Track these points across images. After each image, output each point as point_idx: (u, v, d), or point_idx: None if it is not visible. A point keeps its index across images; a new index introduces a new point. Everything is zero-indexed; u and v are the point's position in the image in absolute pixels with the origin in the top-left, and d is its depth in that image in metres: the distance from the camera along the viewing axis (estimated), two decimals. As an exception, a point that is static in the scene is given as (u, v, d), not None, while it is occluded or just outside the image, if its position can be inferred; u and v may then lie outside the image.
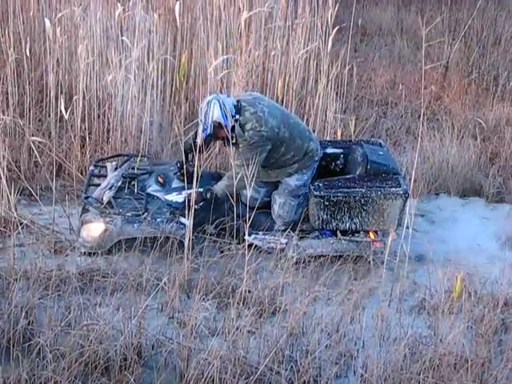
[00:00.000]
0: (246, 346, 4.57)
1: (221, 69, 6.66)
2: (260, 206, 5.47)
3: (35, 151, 6.16)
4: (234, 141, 5.43)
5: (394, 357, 4.61)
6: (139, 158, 6.00)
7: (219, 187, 5.47)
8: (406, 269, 5.33)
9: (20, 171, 6.14)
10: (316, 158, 5.67)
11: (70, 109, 5.90)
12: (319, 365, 4.58)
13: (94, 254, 5.38)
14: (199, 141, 5.42)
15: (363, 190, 5.48)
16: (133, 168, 5.88)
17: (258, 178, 5.31)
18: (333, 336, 4.78)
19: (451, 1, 10.35)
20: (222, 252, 5.44)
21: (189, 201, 5.33)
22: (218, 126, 5.34)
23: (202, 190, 5.41)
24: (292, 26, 7.31)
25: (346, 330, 4.86)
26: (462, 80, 8.58)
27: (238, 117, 5.36)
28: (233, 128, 5.37)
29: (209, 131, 5.36)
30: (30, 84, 6.65)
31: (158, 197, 5.63)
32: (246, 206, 5.27)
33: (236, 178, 5.10)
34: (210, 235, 5.50)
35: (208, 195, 5.43)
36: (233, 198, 5.16)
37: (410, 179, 5.30)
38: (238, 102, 5.45)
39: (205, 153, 5.41)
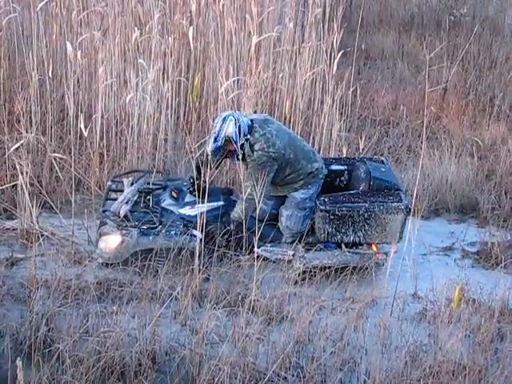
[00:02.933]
0: (254, 353, 4.56)
1: (232, 90, 6.67)
2: (268, 218, 5.46)
3: (56, 167, 6.17)
4: (240, 157, 5.45)
5: (395, 364, 4.59)
6: (154, 173, 6.01)
7: (237, 213, 5.49)
8: (407, 279, 5.32)
9: (41, 186, 6.14)
10: (320, 176, 5.68)
11: (89, 127, 5.91)
12: (324, 371, 4.56)
13: (111, 264, 5.38)
14: (208, 149, 5.43)
15: (366, 205, 5.47)
16: (148, 183, 5.88)
17: (266, 193, 5.32)
18: (337, 344, 4.76)
19: (449, 27, 10.35)
20: (231, 263, 5.43)
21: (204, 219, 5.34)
22: (228, 141, 5.36)
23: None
24: (299, 50, 7.32)
25: (350, 338, 4.84)
26: (460, 101, 8.56)
27: (249, 136, 5.37)
28: (242, 145, 5.39)
29: (219, 144, 5.37)
30: (51, 103, 6.67)
31: (171, 210, 5.63)
32: (254, 218, 5.26)
33: (248, 197, 5.17)
34: (220, 247, 5.49)
35: (231, 226, 5.46)
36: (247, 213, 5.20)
37: (412, 195, 5.28)
38: (251, 121, 5.46)
39: (213, 168, 5.40)
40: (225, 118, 5.41)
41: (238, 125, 5.36)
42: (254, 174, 5.33)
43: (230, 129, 5.35)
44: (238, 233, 5.47)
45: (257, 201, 5.02)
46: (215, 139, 5.38)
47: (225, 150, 5.44)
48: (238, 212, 5.49)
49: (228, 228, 5.47)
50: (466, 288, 5.31)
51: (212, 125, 5.57)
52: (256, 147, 5.38)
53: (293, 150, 5.51)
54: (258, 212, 5.21)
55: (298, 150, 5.57)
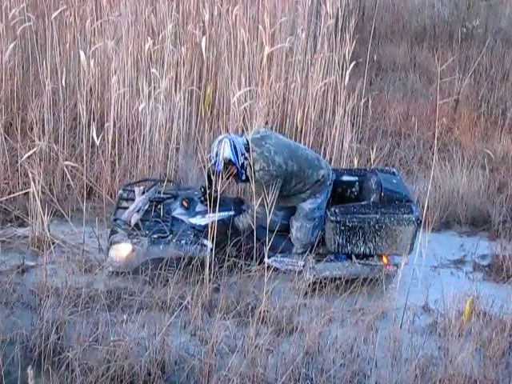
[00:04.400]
0: (264, 364, 4.55)
1: (244, 100, 6.67)
2: (279, 229, 5.45)
3: (68, 175, 6.18)
4: (244, 178, 5.47)
5: (405, 377, 4.57)
6: (165, 182, 6.00)
7: (242, 223, 5.50)
8: (417, 292, 5.29)
9: (53, 194, 6.15)
10: (328, 183, 5.66)
11: (101, 136, 5.92)
12: (334, 383, 4.54)
13: (122, 273, 5.37)
14: (212, 168, 5.44)
15: (377, 216, 5.45)
16: (159, 192, 5.88)
17: (276, 204, 5.32)
18: (347, 356, 4.73)
19: (461, 39, 10.33)
20: (242, 273, 5.42)
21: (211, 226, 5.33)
22: (228, 163, 5.38)
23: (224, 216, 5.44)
24: (311, 61, 7.33)
25: (360, 350, 4.82)
26: (472, 113, 8.54)
27: (247, 155, 5.37)
28: (242, 165, 5.40)
29: (220, 167, 5.38)
30: (64, 112, 6.69)
31: (182, 220, 5.63)
32: (265, 229, 5.25)
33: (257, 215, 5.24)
34: (231, 257, 5.47)
35: (242, 237, 5.47)
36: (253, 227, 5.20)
37: (423, 207, 5.26)
38: (247, 141, 5.45)
39: (224, 180, 5.40)
40: (219, 141, 5.43)
41: (233, 146, 5.36)
42: (260, 193, 5.30)
43: (226, 151, 5.37)
44: (248, 243, 5.46)
45: (267, 216, 4.99)
46: (214, 164, 5.40)
47: (228, 173, 5.43)
48: (243, 222, 5.49)
49: (239, 238, 5.46)
50: (477, 301, 5.28)
51: (210, 148, 5.57)
52: (256, 168, 5.37)
53: (295, 162, 5.50)
54: (268, 223, 5.21)
55: (302, 160, 5.56)
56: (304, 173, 5.53)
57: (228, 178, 5.49)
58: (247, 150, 5.39)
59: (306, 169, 5.54)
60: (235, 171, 5.43)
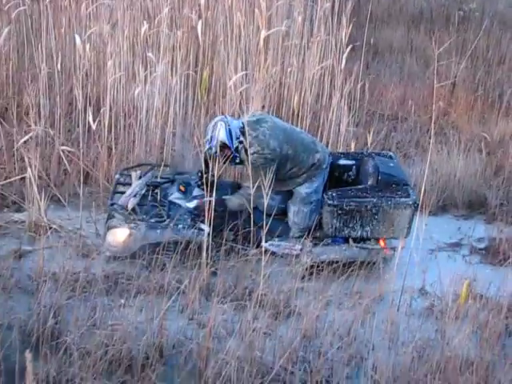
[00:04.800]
0: (261, 347, 4.55)
1: (240, 84, 6.65)
2: (276, 213, 5.45)
3: (64, 160, 6.16)
4: (237, 160, 5.47)
5: (402, 359, 4.58)
6: (162, 167, 5.99)
7: (232, 202, 5.48)
8: (414, 275, 5.30)
9: (50, 179, 6.15)
10: (324, 166, 5.65)
11: (97, 120, 5.90)
12: (331, 366, 4.56)
13: (119, 257, 5.37)
14: (209, 152, 5.44)
15: (374, 200, 5.45)
16: (156, 177, 5.88)
17: (272, 188, 5.31)
18: (344, 339, 4.75)
19: (458, 22, 10.30)
20: (239, 257, 5.42)
21: (201, 207, 5.33)
22: (223, 146, 5.37)
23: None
24: (308, 44, 7.30)
25: (357, 333, 4.84)
26: (469, 96, 8.53)
27: (242, 139, 5.36)
28: (237, 148, 5.39)
29: (214, 150, 5.37)
30: (60, 97, 6.66)
31: (179, 204, 5.63)
32: (262, 212, 5.25)
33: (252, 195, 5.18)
34: (228, 241, 5.48)
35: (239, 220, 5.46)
36: (249, 206, 5.19)
37: (420, 190, 5.26)
38: (243, 124, 5.44)
39: (221, 164, 5.39)
40: (215, 123, 5.42)
41: (228, 129, 5.36)
42: (254, 176, 5.30)
43: (221, 134, 5.36)
44: (245, 227, 5.46)
45: (265, 197, 4.99)
46: (209, 146, 5.40)
47: (222, 156, 5.42)
48: (233, 202, 5.48)
49: (236, 222, 5.46)
50: (474, 284, 5.31)
51: (206, 130, 5.56)
52: (250, 150, 5.36)
53: (290, 146, 5.49)
54: (265, 207, 5.20)
55: (297, 144, 5.55)
56: (299, 156, 5.52)
57: (223, 161, 5.47)
58: (242, 133, 5.39)
59: (301, 152, 5.53)
60: (230, 154, 5.42)
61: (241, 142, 5.39)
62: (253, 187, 5.11)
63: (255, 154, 5.36)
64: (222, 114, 5.79)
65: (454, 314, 4.98)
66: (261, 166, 5.34)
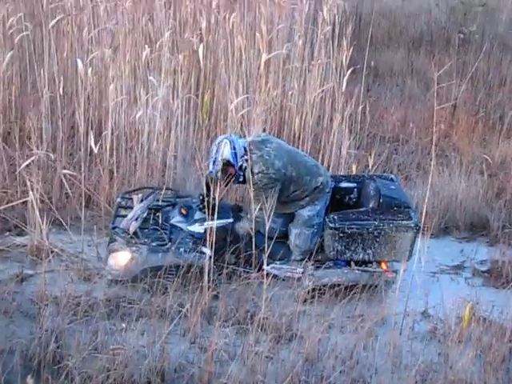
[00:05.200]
0: (264, 371, 4.55)
1: (241, 107, 6.68)
2: (277, 236, 5.45)
3: (66, 183, 6.19)
4: (241, 179, 5.47)
5: (405, 383, 4.57)
6: (164, 190, 6.01)
7: (241, 228, 5.49)
8: (417, 298, 5.30)
9: (51, 202, 6.16)
10: (327, 190, 5.66)
11: (99, 144, 5.93)
12: (334, 390, 4.54)
13: (121, 281, 5.37)
14: (211, 175, 5.45)
15: (376, 223, 5.46)
16: (157, 200, 5.89)
17: (274, 211, 5.32)
18: (347, 362, 4.74)
19: (458, 44, 10.35)
20: (241, 280, 5.42)
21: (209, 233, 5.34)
22: (227, 164, 5.38)
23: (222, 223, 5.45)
24: (308, 67, 7.35)
25: (360, 356, 4.83)
26: (470, 118, 8.57)
27: (246, 157, 5.39)
28: (240, 167, 5.40)
29: (218, 167, 5.39)
30: (62, 120, 6.69)
31: (181, 228, 5.63)
32: (263, 236, 5.26)
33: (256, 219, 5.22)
34: (230, 264, 5.48)
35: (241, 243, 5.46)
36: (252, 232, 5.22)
37: (421, 213, 5.27)
38: (248, 143, 5.47)
39: (222, 187, 5.40)
40: (220, 142, 5.44)
41: (233, 147, 5.38)
42: (259, 196, 5.33)
43: (225, 152, 5.37)
44: (247, 250, 5.46)
45: (266, 222, 5.01)
46: (213, 164, 5.41)
47: (226, 174, 5.44)
48: (242, 228, 5.49)
49: (237, 245, 5.47)
50: (477, 307, 5.30)
51: (210, 149, 5.58)
52: (255, 170, 5.37)
53: (294, 168, 5.51)
54: (267, 230, 5.22)
55: (301, 167, 5.57)
56: (303, 179, 5.54)
57: (226, 180, 5.49)
58: (247, 152, 5.41)
59: (304, 175, 5.55)
60: (233, 172, 5.43)
61: (246, 161, 5.41)
62: (256, 208, 5.13)
63: (260, 174, 5.37)
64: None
65: (457, 337, 4.98)
66: (265, 186, 5.36)
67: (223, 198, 5.73)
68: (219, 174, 5.39)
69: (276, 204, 5.43)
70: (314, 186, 5.57)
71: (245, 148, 5.42)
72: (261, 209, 5.13)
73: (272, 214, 5.16)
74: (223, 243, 5.42)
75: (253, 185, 5.34)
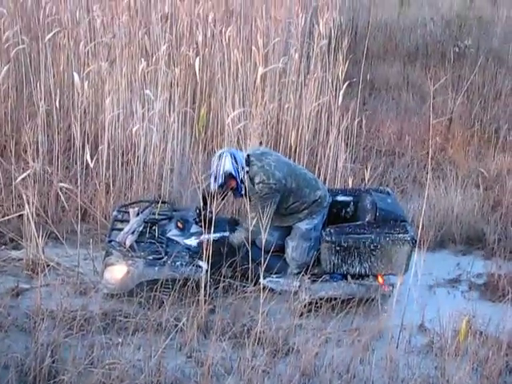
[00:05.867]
0: (260, 386, 4.54)
1: (238, 120, 6.70)
2: (274, 249, 5.46)
3: (62, 197, 6.19)
4: (243, 192, 5.47)
5: (402, 397, 4.56)
6: (160, 204, 6.01)
7: (236, 239, 5.50)
8: (413, 311, 5.30)
9: (47, 216, 6.16)
10: (325, 205, 5.68)
11: (95, 157, 5.94)
12: (331, 404, 4.54)
13: (117, 295, 5.36)
14: (211, 189, 5.46)
15: (372, 236, 5.47)
16: (154, 213, 5.89)
17: (271, 223, 5.33)
18: (344, 376, 4.74)
19: (454, 58, 10.41)
20: (237, 294, 5.42)
21: (203, 245, 5.34)
22: (228, 177, 5.40)
23: (218, 237, 5.45)
24: (305, 81, 7.38)
25: (357, 370, 4.82)
26: (465, 132, 8.60)
27: (247, 169, 5.40)
28: (242, 180, 5.42)
29: (220, 181, 5.40)
30: (58, 134, 6.71)
31: (177, 241, 5.64)
32: (260, 249, 5.27)
33: (252, 229, 5.22)
34: (226, 278, 5.48)
35: (224, 248, 5.45)
36: (248, 243, 5.21)
37: (418, 226, 5.28)
38: (248, 156, 5.49)
39: (219, 201, 5.40)
40: (220, 155, 5.46)
41: (234, 160, 5.40)
42: (258, 206, 5.35)
43: (227, 165, 5.39)
44: (243, 264, 5.47)
45: (263, 232, 5.04)
46: (215, 178, 5.42)
47: (227, 187, 5.46)
48: (237, 239, 5.50)
49: (234, 259, 5.47)
50: (473, 320, 5.30)
51: (211, 162, 5.59)
52: (256, 180, 5.40)
53: (294, 180, 5.53)
54: (263, 243, 5.23)
55: (300, 179, 5.59)
56: (302, 191, 5.56)
57: (225, 193, 5.49)
58: (247, 164, 5.42)
59: (304, 188, 5.57)
60: (234, 185, 5.45)
61: (247, 172, 5.42)
62: (253, 217, 5.15)
63: (260, 184, 5.39)
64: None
65: (453, 350, 4.98)
66: (265, 195, 5.37)
67: (219, 212, 5.74)
68: (222, 187, 5.41)
69: (274, 216, 5.46)
70: (312, 199, 5.59)
71: (246, 160, 5.44)
72: (259, 219, 5.16)
73: (269, 226, 5.17)
74: (219, 257, 5.42)
75: (253, 194, 5.36)
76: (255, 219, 5.22)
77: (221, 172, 5.39)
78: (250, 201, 5.48)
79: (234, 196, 5.67)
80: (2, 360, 4.55)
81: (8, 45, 6.95)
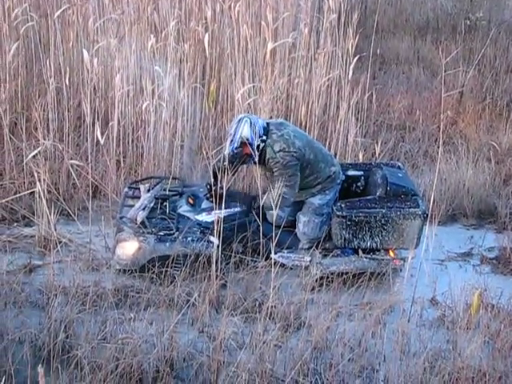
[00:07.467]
0: (272, 360, 4.55)
1: (247, 96, 6.67)
2: (285, 224, 5.45)
3: (73, 174, 6.19)
4: (255, 160, 5.45)
5: (414, 370, 4.56)
6: (170, 180, 6.01)
7: (269, 201, 5.28)
8: (425, 285, 5.29)
9: (59, 193, 6.17)
10: (338, 181, 5.68)
11: (105, 134, 5.93)
12: (342, 378, 4.54)
13: (129, 271, 5.38)
14: (226, 153, 5.45)
15: (383, 211, 5.44)
16: (165, 190, 5.89)
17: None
18: (355, 350, 4.74)
19: (465, 31, 10.30)
20: (248, 269, 5.42)
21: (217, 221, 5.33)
22: (244, 143, 5.38)
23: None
24: (314, 56, 7.32)
25: (368, 344, 4.82)
26: (477, 105, 8.53)
27: (265, 138, 5.39)
28: (257, 147, 5.40)
29: (236, 145, 5.39)
30: (68, 111, 6.70)
31: (188, 217, 5.63)
32: (271, 224, 5.26)
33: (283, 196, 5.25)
34: (237, 253, 5.48)
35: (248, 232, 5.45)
36: (259, 218, 5.19)
37: (429, 200, 5.26)
38: (267, 124, 5.48)
39: (230, 174, 5.36)
40: (240, 120, 5.46)
41: (252, 126, 5.37)
42: (283, 175, 5.35)
43: (245, 130, 5.38)
44: (254, 239, 5.46)
45: (291, 199, 5.09)
46: (231, 141, 5.42)
47: (241, 153, 5.43)
48: (269, 201, 5.28)
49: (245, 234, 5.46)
50: (485, 294, 5.29)
51: (228, 128, 5.59)
52: (276, 148, 5.40)
53: (312, 151, 5.54)
54: (274, 218, 5.21)
55: (317, 152, 5.60)
56: (318, 164, 5.56)
57: (239, 160, 5.46)
58: (265, 132, 5.41)
59: (320, 161, 5.57)
60: (248, 152, 5.42)
61: (263, 141, 5.40)
62: (281, 184, 5.25)
63: (281, 152, 5.39)
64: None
65: (465, 324, 4.97)
66: (288, 163, 5.38)
67: (230, 187, 5.73)
68: (236, 151, 5.39)
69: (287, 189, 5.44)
70: (327, 174, 5.58)
71: (264, 128, 5.42)
72: (287, 186, 5.19)
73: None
74: (230, 232, 5.42)
75: (275, 164, 5.34)
76: (279, 188, 5.19)
77: (238, 136, 5.38)
78: (271, 172, 5.45)
79: (248, 163, 5.62)
80: (17, 336, 4.58)
81: (17, 22, 6.92)
